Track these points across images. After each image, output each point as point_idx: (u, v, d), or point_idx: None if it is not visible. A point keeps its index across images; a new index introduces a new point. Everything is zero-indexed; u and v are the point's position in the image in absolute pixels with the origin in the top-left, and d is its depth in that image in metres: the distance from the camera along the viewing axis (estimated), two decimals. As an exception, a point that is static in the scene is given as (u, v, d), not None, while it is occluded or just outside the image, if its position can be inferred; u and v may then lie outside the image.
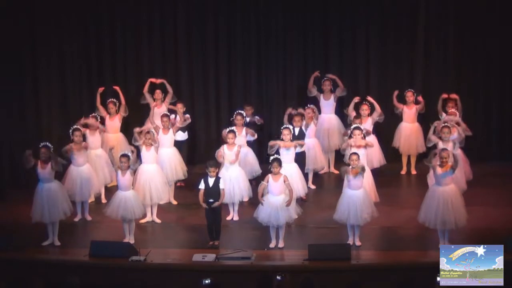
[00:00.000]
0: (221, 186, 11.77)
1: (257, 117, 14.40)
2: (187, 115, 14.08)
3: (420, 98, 14.54)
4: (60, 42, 15.12)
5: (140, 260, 10.98)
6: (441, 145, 12.31)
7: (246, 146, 13.59)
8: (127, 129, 14.15)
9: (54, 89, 15.16)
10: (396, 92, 14.50)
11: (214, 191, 11.71)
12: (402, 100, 14.55)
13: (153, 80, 14.60)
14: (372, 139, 13.39)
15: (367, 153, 12.66)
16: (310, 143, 13.78)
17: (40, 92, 15.02)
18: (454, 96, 14.13)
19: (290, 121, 13.52)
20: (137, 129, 13.03)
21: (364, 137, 12.62)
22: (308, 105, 14.06)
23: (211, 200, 11.67)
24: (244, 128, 13.60)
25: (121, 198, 11.87)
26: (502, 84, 15.40)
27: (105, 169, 13.36)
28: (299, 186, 12.63)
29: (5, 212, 13.19)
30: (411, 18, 15.32)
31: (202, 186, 11.77)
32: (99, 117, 13.77)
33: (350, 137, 12.62)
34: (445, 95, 14.10)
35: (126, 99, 14.69)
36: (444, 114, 13.77)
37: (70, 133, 12.86)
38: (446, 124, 12.66)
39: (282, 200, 11.56)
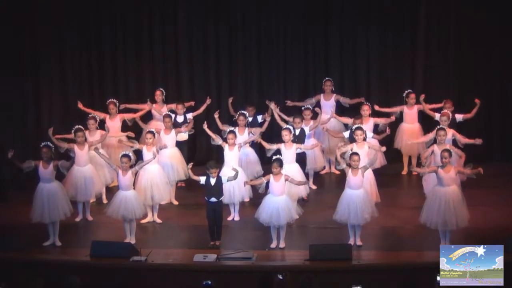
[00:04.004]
0: (225, 180, 11.81)
1: (261, 116, 14.23)
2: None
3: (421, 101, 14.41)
4: (60, 43, 15.16)
5: (141, 260, 10.98)
6: (436, 149, 12.33)
7: (248, 146, 13.61)
8: (128, 129, 14.17)
9: (55, 90, 15.20)
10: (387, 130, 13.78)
11: (216, 190, 11.73)
12: (400, 102, 14.54)
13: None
14: (373, 141, 13.40)
15: (368, 153, 12.67)
16: (309, 143, 13.78)
17: (41, 92, 15.06)
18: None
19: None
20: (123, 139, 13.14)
21: (365, 138, 12.67)
22: (304, 106, 14.11)
23: (213, 200, 11.68)
24: (246, 128, 13.62)
25: (121, 198, 11.88)
26: (503, 85, 15.39)
27: (106, 170, 13.34)
28: (301, 186, 12.63)
29: (6, 213, 13.19)
30: (412, 21, 15.31)
31: (202, 180, 11.78)
32: (98, 118, 13.77)
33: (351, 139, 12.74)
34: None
35: (126, 100, 14.84)
36: (437, 115, 13.76)
37: (73, 134, 12.87)
38: (441, 126, 12.65)
39: (284, 201, 11.58)
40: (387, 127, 13.51)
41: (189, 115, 14.28)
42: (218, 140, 12.96)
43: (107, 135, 13.37)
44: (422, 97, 14.27)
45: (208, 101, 14.31)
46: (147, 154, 12.70)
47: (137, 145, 12.77)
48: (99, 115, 13.90)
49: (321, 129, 14.02)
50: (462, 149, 12.71)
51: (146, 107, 14.49)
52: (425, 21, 15.26)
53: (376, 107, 14.25)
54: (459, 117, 14.01)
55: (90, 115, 13.66)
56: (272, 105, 13.92)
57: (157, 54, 15.62)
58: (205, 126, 13.20)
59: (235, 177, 11.88)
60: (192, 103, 14.69)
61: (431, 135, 12.82)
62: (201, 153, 15.30)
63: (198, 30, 15.54)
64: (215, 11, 15.49)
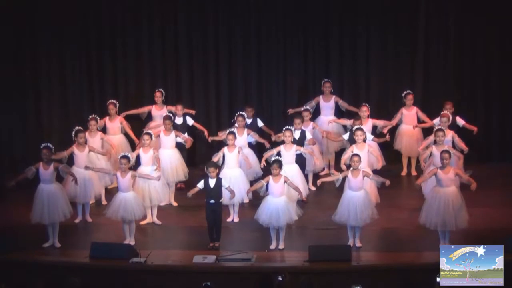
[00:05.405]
0: (226, 185, 11.80)
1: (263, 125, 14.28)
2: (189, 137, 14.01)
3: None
4: (61, 43, 15.16)
5: (140, 261, 10.98)
6: (435, 150, 12.31)
7: (247, 147, 13.59)
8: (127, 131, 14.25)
9: (55, 90, 15.21)
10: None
11: (215, 192, 11.71)
12: (399, 102, 14.53)
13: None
14: (373, 143, 13.38)
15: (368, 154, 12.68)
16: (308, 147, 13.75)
17: (41, 93, 15.07)
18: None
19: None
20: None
21: (365, 140, 12.66)
22: (304, 107, 14.15)
23: (212, 201, 11.68)
24: (246, 129, 13.61)
25: (121, 199, 11.87)
26: (502, 85, 15.36)
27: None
28: (300, 187, 12.61)
29: (6, 213, 13.19)
30: (412, 21, 15.28)
31: (201, 185, 11.78)
32: (99, 120, 13.77)
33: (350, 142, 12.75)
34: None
35: (126, 101, 14.92)
36: (435, 121, 13.73)
37: (73, 135, 12.87)
38: (440, 127, 12.65)
39: (284, 202, 11.57)
40: (387, 134, 13.47)
41: (190, 121, 14.29)
42: (220, 155, 12.84)
43: (110, 155, 13.32)
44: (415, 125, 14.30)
45: (206, 134, 14.17)
46: (144, 156, 12.70)
47: (134, 155, 12.69)
48: (100, 123, 13.87)
49: (321, 137, 14.03)
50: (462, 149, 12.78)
51: (146, 109, 14.56)
52: (425, 21, 15.24)
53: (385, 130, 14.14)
54: (460, 121, 13.99)
55: (91, 116, 13.64)
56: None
57: (157, 54, 15.60)
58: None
59: (233, 195, 11.96)
60: (193, 112, 14.69)
61: (431, 137, 12.80)
62: (201, 154, 15.28)
63: (198, 30, 15.53)
64: (215, 11, 15.47)
